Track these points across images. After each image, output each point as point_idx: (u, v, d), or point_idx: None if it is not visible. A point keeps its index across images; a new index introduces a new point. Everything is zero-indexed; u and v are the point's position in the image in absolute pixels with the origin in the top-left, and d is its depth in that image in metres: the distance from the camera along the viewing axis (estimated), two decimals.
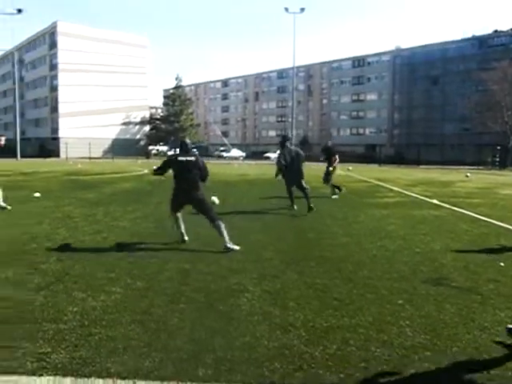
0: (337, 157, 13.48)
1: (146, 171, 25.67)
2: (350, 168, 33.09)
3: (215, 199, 9.85)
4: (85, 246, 6.19)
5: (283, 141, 10.37)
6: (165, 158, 7.23)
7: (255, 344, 3.23)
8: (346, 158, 51.10)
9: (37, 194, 11.92)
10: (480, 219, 9.28)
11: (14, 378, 2.71)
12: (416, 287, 4.58)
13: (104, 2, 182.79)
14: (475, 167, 40.86)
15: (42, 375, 2.74)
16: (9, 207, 9.61)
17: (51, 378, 2.72)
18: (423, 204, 11.83)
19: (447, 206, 11.37)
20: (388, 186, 17.72)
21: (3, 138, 9.72)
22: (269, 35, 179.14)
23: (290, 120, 53.90)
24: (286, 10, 50.17)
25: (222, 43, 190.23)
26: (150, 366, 2.89)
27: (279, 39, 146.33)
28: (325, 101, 78.10)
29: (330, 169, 13.36)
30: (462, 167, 39.98)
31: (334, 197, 12.96)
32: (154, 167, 6.74)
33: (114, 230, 7.46)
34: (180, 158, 6.40)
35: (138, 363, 2.91)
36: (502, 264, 5.54)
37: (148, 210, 9.80)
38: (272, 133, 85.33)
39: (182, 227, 6.58)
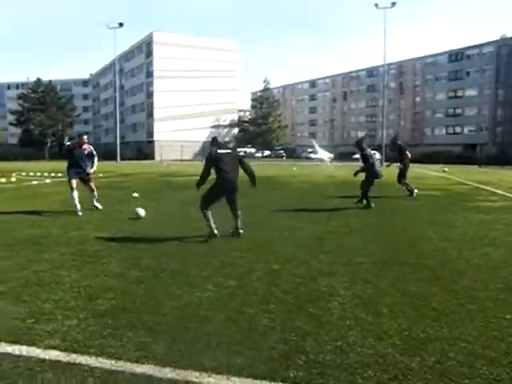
0: (408, 153, 13.49)
1: None
2: (446, 169, 31.10)
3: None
4: (179, 244, 6.49)
5: (361, 142, 11.09)
6: (203, 161, 7.41)
7: (347, 349, 3.15)
8: (441, 159, 48.48)
9: (135, 194, 12.76)
10: None
11: (120, 363, 2.91)
12: None
13: (195, 9, 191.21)
14: None
15: (143, 363, 2.92)
16: (100, 207, 10.11)
17: (152, 366, 2.88)
18: None
19: None
20: (490, 188, 16.38)
21: (86, 137, 10.05)
22: (357, 33, 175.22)
23: (380, 120, 52.18)
24: (376, 5, 48.62)
25: (309, 43, 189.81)
26: (243, 363, 2.94)
27: (368, 36, 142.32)
28: (418, 98, 74.45)
29: (401, 166, 13.38)
30: None
31: (416, 192, 13.03)
32: (197, 180, 7.04)
33: (206, 229, 7.72)
34: (221, 151, 6.84)
35: (231, 360, 2.98)
36: None
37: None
38: (361, 133, 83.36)
39: (213, 223, 6.86)
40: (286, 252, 6.04)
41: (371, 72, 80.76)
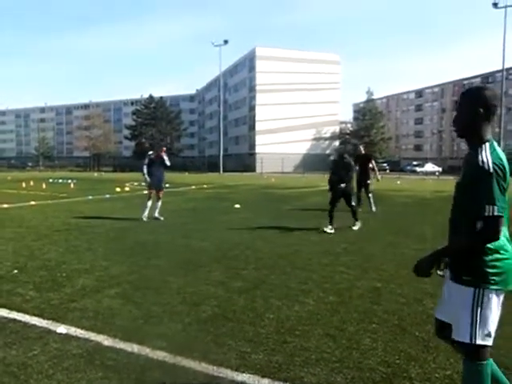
0: (373, 163, 12.63)
1: None
2: None
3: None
4: (279, 257, 6.54)
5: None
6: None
7: (458, 380, 2.90)
8: None
9: (237, 206, 13.18)
10: None
11: (221, 370, 3.00)
12: None
13: (297, 23, 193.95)
14: None
15: (243, 372, 2.97)
16: (161, 218, 10.35)
17: (251, 376, 2.93)
18: None
19: None
20: None
21: (164, 149, 10.89)
22: (469, 37, 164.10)
23: (497, 130, 48.02)
24: (495, 5, 44.88)
25: (415, 51, 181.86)
26: (343, 382, 2.86)
27: (483, 40, 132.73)
28: None
29: (369, 182, 12.43)
30: None
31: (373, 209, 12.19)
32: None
33: (305, 243, 7.72)
34: None
35: (331, 377, 2.91)
36: None
37: (338, 226, 9.82)
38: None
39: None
40: (388, 270, 5.78)
41: (487, 78, 74.85)
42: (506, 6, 43.54)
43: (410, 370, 3.04)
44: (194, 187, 24.42)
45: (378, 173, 13.05)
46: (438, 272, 2.38)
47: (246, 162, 72.39)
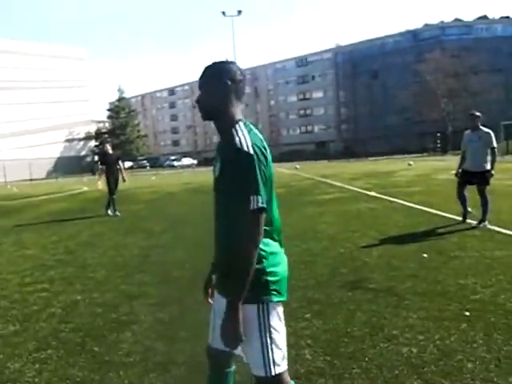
0: (120, 164, 11.85)
1: (85, 189, 24.44)
2: (298, 166, 33.08)
3: None
4: None
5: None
6: None
7: None
8: (297, 157, 51.70)
9: None
10: (414, 208, 9.13)
11: None
12: (330, 294, 4.16)
13: (36, 15, 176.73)
14: (419, 155, 42.31)
15: None
16: None
17: None
18: (361, 197, 11.63)
19: (384, 197, 11.23)
20: (330, 181, 17.56)
21: None
22: (211, 39, 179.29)
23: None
24: (223, 13, 49.96)
25: (164, 51, 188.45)
26: None
27: (223, 42, 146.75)
28: (272, 102, 78.54)
29: (119, 181, 11.55)
30: (406, 156, 41.09)
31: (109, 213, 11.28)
32: None
33: (16, 260, 6.65)
34: None
35: None
36: (425, 255, 5.29)
37: (66, 235, 8.93)
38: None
39: None
40: (98, 277, 5.35)
41: None
42: (232, 16, 49.66)
43: None
44: None
45: (124, 173, 12.11)
46: (210, 300, 2.01)
47: None
